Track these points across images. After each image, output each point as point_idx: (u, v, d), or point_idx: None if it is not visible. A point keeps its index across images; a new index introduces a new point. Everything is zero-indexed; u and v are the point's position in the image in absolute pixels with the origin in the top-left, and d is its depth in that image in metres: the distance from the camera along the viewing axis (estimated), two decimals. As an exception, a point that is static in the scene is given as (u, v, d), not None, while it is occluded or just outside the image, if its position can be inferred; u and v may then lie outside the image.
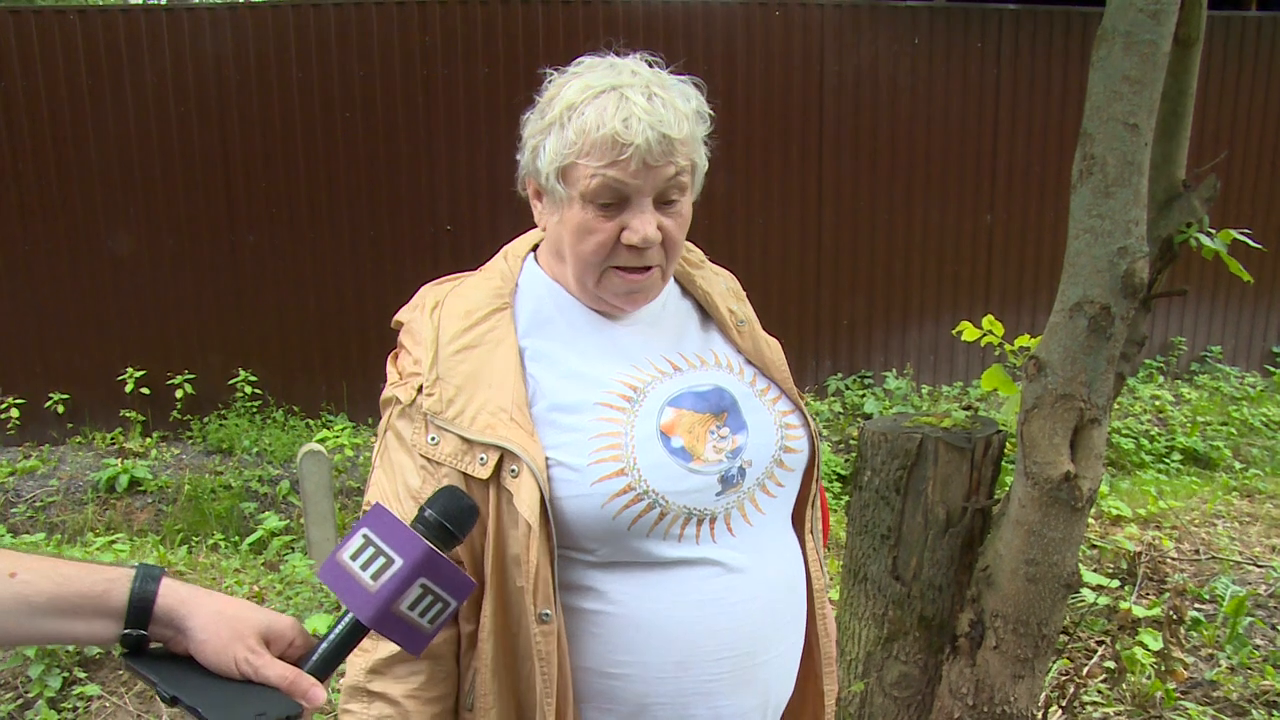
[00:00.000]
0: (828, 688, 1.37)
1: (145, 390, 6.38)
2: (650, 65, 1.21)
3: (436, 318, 1.22)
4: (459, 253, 6.44)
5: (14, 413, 6.29)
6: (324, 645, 0.94)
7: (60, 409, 6.35)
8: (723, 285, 1.40)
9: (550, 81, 1.21)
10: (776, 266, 6.92)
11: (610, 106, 1.13)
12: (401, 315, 1.29)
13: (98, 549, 4.51)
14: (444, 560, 0.95)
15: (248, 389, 6.46)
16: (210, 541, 5.01)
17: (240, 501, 5.56)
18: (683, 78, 1.22)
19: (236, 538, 5.07)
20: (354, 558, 0.94)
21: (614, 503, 1.13)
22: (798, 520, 1.33)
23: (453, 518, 0.98)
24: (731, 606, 1.19)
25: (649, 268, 1.21)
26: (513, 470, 1.13)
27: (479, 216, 6.53)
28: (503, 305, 1.24)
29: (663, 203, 1.18)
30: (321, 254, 6.46)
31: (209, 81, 6.20)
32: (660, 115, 1.13)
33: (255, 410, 6.49)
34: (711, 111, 1.23)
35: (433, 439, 1.16)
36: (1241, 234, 2.24)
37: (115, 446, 6.26)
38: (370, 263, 6.50)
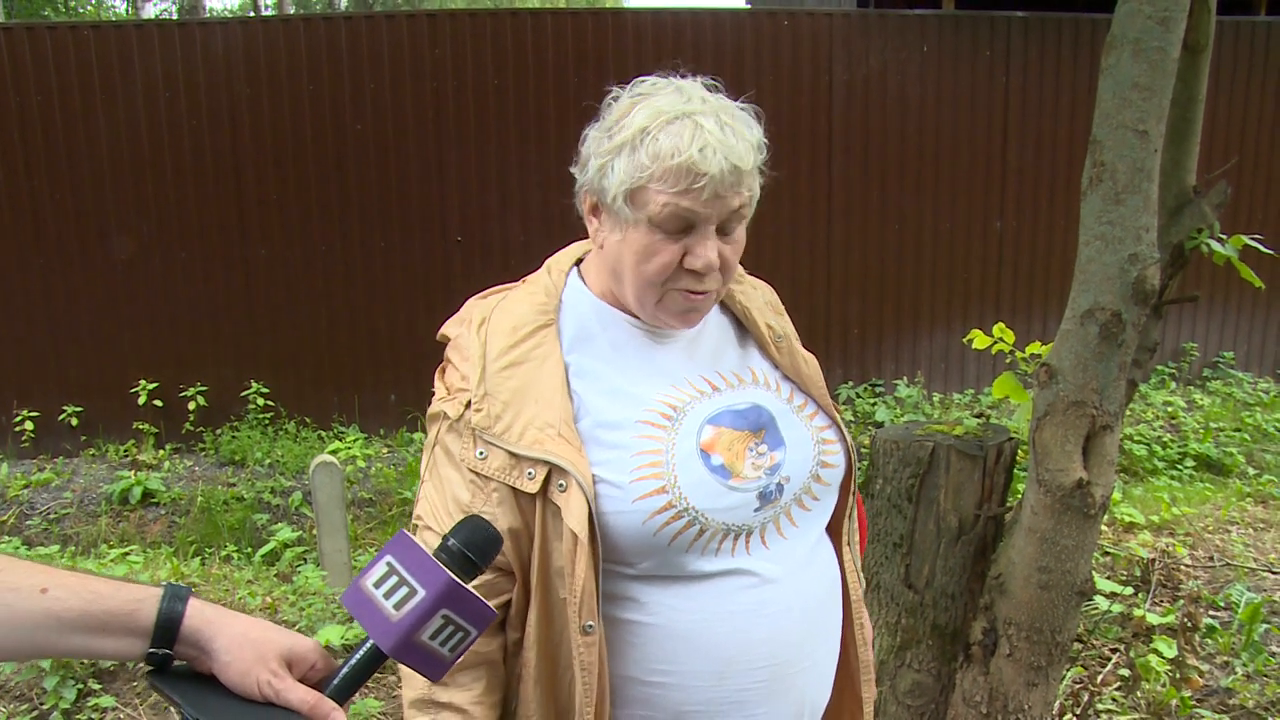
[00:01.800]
0: (865, 695, 1.39)
1: (158, 403, 6.42)
2: (712, 90, 1.21)
3: (484, 334, 1.24)
4: (469, 264, 6.45)
5: (28, 426, 6.34)
6: (345, 670, 0.95)
7: (74, 422, 6.40)
8: (761, 299, 1.41)
9: (614, 99, 1.22)
10: (786, 275, 6.91)
11: (686, 134, 1.13)
12: (448, 329, 1.31)
13: (111, 560, 4.52)
14: (466, 591, 0.95)
15: (260, 401, 6.50)
16: (223, 553, 5.02)
17: (253, 513, 5.58)
18: (744, 106, 1.22)
19: (249, 549, 5.08)
20: (377, 585, 0.94)
21: (655, 519, 1.15)
22: (834, 532, 1.35)
23: (476, 548, 0.98)
24: (767, 618, 1.20)
25: (705, 291, 1.22)
26: (560, 485, 1.15)
27: (489, 227, 6.54)
28: (548, 321, 1.26)
29: (722, 231, 1.20)
30: (332, 266, 6.50)
31: (221, 95, 6.25)
32: (732, 146, 1.14)
33: (267, 422, 6.52)
34: (767, 141, 1.22)
35: (481, 454, 1.18)
36: (1253, 239, 2.23)
37: (128, 459, 6.30)
38: (381, 274, 6.53)
